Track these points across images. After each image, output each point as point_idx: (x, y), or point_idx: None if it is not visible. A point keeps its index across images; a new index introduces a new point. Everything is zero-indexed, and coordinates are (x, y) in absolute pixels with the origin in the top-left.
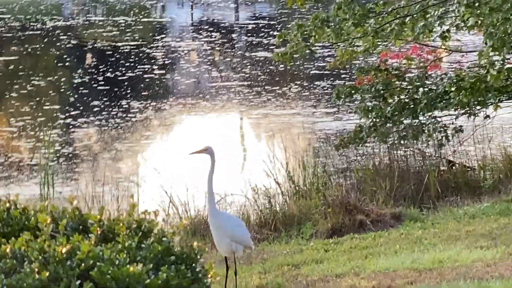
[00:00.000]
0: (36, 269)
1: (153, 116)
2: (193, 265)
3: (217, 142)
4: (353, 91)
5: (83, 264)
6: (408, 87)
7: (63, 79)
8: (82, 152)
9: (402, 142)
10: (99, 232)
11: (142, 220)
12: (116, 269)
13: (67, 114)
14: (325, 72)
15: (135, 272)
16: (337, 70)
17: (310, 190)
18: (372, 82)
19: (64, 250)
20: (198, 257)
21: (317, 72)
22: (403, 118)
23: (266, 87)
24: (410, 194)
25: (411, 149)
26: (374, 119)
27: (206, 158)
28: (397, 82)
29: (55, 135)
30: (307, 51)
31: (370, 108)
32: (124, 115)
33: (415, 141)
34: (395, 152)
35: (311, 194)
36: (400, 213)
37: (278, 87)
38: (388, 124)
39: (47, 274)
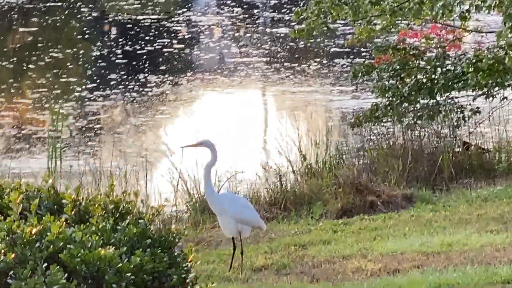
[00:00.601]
0: (2, 251)
1: (170, 91)
2: (171, 249)
3: (231, 118)
4: (370, 70)
5: (51, 246)
6: (426, 66)
7: (81, 52)
8: (96, 126)
9: (417, 122)
10: (72, 213)
11: (120, 201)
12: (87, 252)
13: (83, 87)
14: (346, 49)
15: (106, 256)
16: (357, 48)
17: (322, 170)
18: (390, 61)
19: (34, 231)
20: (177, 240)
21: (337, 49)
22: (420, 98)
23: (285, 64)
24: (423, 175)
25: (426, 129)
26: (391, 99)
27: (221, 134)
28: (415, 62)
29: (70, 108)
30: (324, 28)
31: (387, 88)
32: (140, 89)
33: (430, 121)
34: (410, 132)
35: (323, 173)
36: (412, 194)
37: (297, 64)
38: (404, 104)
39: (13, 255)
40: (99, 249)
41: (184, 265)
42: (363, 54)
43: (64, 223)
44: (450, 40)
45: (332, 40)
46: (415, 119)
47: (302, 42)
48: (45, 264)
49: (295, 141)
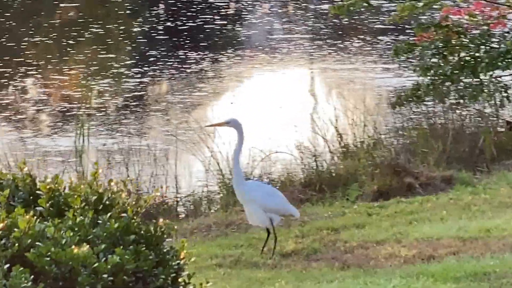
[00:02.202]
0: None
1: (209, 68)
2: (159, 245)
3: (269, 96)
4: (412, 48)
5: (16, 245)
6: (470, 44)
7: (122, 28)
8: (132, 103)
9: (460, 101)
10: (48, 205)
11: (105, 192)
12: (59, 250)
13: (121, 64)
14: (390, 27)
15: (79, 254)
16: (402, 25)
17: (359, 150)
18: (432, 39)
19: (0, 226)
20: (165, 236)
21: (381, 26)
22: (463, 77)
23: (328, 41)
24: (463, 156)
25: (469, 109)
26: (433, 77)
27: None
28: (458, 39)
29: (107, 85)
30: (364, 4)
31: (429, 66)
32: (179, 66)
33: (473, 101)
34: (451, 112)
35: (360, 154)
36: (451, 176)
37: (340, 41)
38: (446, 83)
39: None
40: (73, 246)
41: (174, 263)
42: (407, 31)
43: (34, 217)
44: (494, 17)
45: (377, 17)
46: (457, 99)
47: (346, 19)
48: (7, 265)
49: (332, 120)
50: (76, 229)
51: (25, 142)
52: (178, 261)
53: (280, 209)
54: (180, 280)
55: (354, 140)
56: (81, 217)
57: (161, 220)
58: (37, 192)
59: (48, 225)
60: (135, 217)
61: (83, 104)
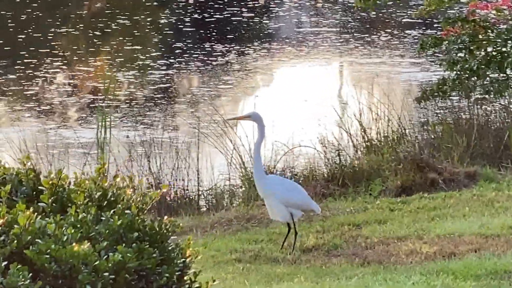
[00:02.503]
0: None
1: (235, 61)
2: (163, 243)
3: (294, 89)
4: (438, 42)
5: (15, 241)
6: (496, 39)
7: (148, 19)
8: (156, 96)
9: (486, 96)
10: (51, 201)
11: (111, 187)
12: (59, 247)
13: (147, 55)
14: (417, 21)
15: (80, 252)
16: (429, 19)
17: (383, 145)
18: (459, 33)
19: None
20: (170, 234)
21: (409, 20)
22: (489, 72)
23: (355, 34)
24: (488, 152)
25: (494, 104)
26: (459, 72)
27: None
28: (485, 34)
29: (132, 77)
30: None
31: (455, 61)
32: (205, 58)
33: (499, 96)
34: (476, 107)
35: (383, 149)
36: (475, 172)
37: (367, 35)
38: (472, 78)
39: None
40: (73, 244)
41: (179, 261)
42: (435, 25)
43: (35, 213)
44: None
45: (405, 10)
46: (483, 94)
47: (373, 13)
48: (5, 263)
49: (356, 114)
50: (78, 225)
51: (48, 133)
52: (183, 259)
53: (301, 204)
54: (185, 278)
55: (378, 134)
56: (83, 213)
57: (165, 217)
58: (41, 187)
59: (49, 222)
60: (139, 214)
61: (107, 96)
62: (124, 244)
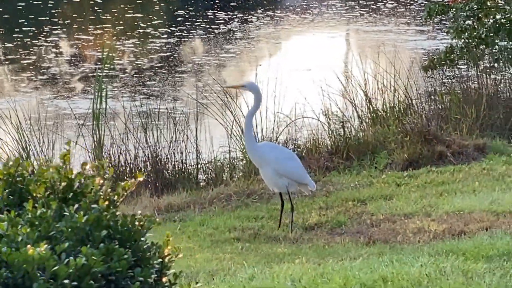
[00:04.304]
0: None
1: (238, 29)
2: (137, 242)
3: (298, 58)
4: (446, 9)
5: None
6: (505, 6)
7: None
8: (157, 65)
9: (495, 65)
10: (5, 194)
11: (77, 177)
12: (13, 249)
13: (148, 23)
14: None
15: (35, 255)
16: None
17: (389, 116)
18: (467, 0)
19: None
20: (145, 230)
21: None
22: (498, 40)
23: (360, 1)
24: (498, 123)
25: (504, 73)
26: (467, 40)
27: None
28: (493, 1)
29: (132, 45)
30: None
31: (463, 28)
32: (207, 26)
33: (509, 65)
34: (485, 76)
35: (389, 120)
36: (485, 144)
37: (372, 2)
38: (481, 46)
39: None
40: (28, 246)
41: (156, 262)
42: None
43: None
44: None
45: None
46: (492, 62)
47: None
48: None
49: (361, 84)
50: (36, 223)
51: (43, 103)
52: (161, 259)
53: (294, 174)
54: (164, 280)
55: (384, 105)
56: (42, 208)
57: (139, 212)
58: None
59: (1, 219)
60: (109, 208)
61: (105, 65)
62: (89, 245)
